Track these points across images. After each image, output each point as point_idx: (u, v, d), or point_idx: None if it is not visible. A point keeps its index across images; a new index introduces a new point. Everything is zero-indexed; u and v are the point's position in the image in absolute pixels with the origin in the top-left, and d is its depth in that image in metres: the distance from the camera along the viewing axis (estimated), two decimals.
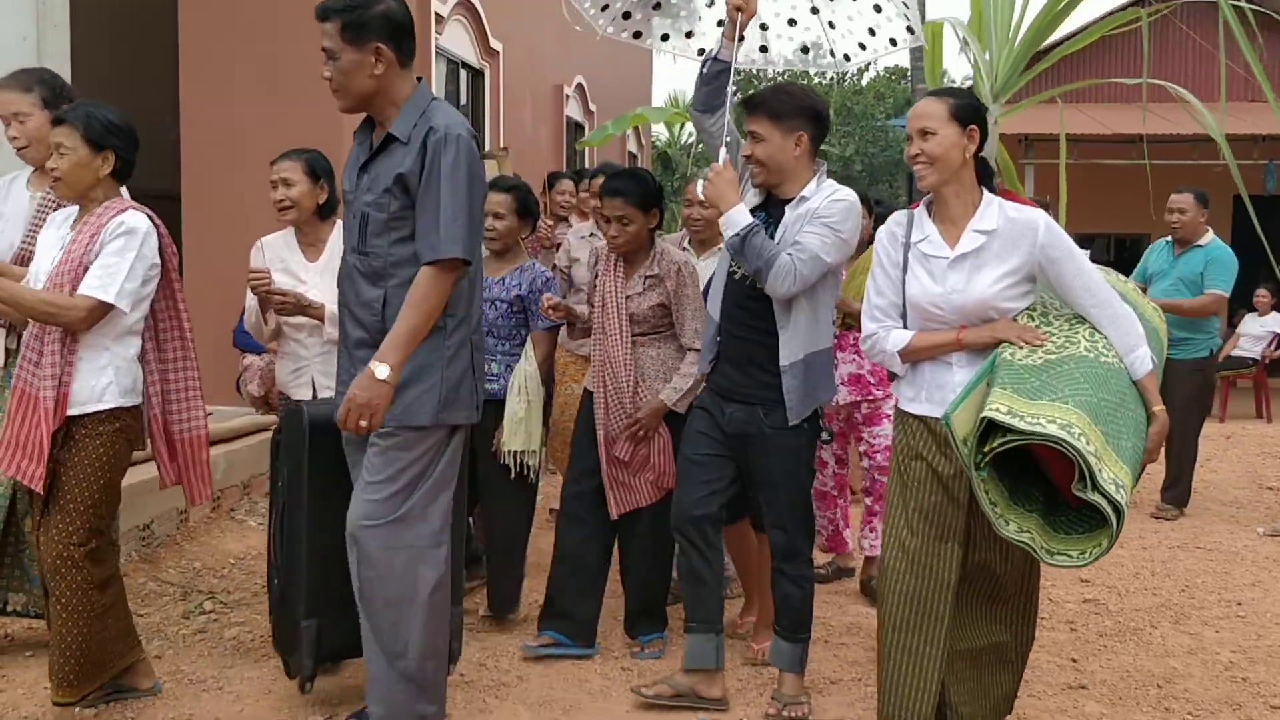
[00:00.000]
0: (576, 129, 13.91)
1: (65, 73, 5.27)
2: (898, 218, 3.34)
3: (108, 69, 7.70)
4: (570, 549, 4.35)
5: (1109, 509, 2.76)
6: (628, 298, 4.25)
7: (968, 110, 3.18)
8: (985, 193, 3.21)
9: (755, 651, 4.28)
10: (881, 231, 3.37)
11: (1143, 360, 3.07)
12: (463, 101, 10.83)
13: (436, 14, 9.32)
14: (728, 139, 3.79)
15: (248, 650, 4.24)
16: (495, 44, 10.95)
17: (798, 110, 3.65)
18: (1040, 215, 3.13)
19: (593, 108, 14.60)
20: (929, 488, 3.20)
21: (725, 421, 3.76)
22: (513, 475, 4.46)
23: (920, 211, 3.29)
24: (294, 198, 4.08)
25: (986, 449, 2.88)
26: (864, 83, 32.14)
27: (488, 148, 10.58)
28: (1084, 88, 10.33)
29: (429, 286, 3.13)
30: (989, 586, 3.27)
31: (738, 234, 3.55)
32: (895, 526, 3.25)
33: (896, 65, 35.43)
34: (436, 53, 9.53)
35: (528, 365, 4.45)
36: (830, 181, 3.70)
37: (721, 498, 3.81)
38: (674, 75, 57.44)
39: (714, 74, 3.78)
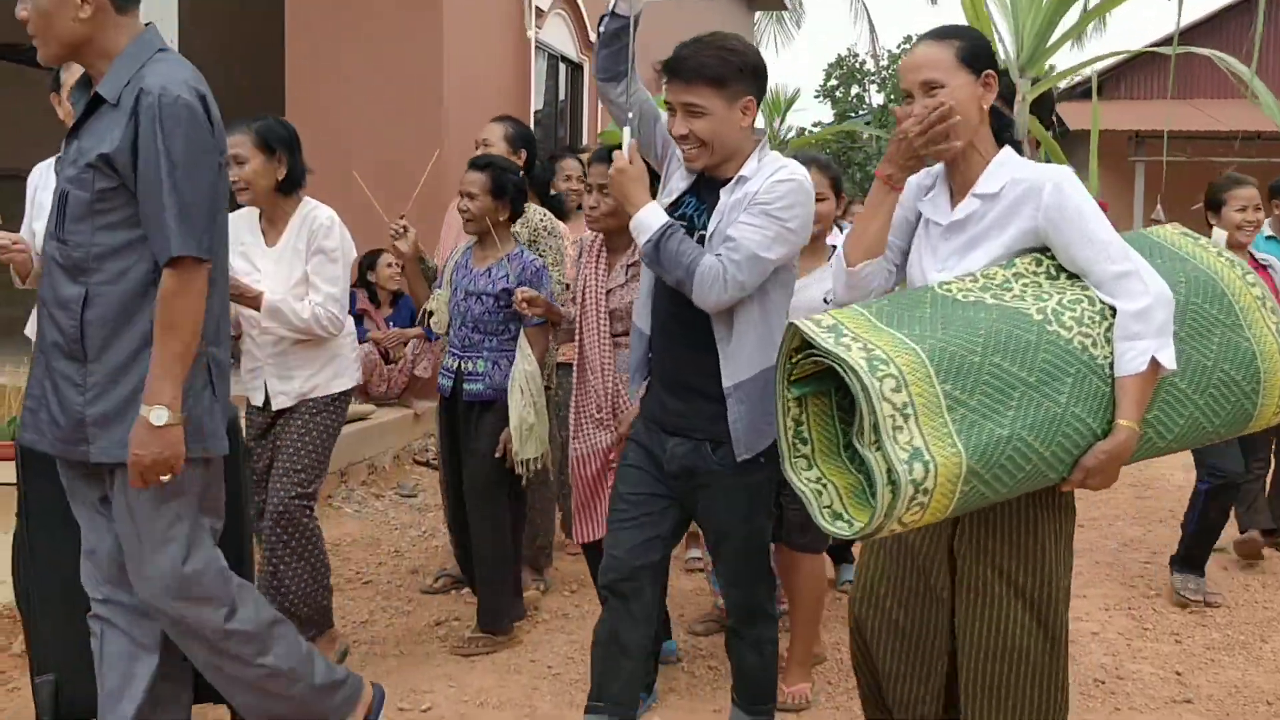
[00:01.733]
0: None
1: None
2: (932, 169, 2.72)
3: (215, 60, 7.87)
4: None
5: (883, 478, 2.19)
6: (608, 292, 3.74)
7: (980, 52, 2.55)
8: (1003, 150, 2.58)
9: (785, 695, 3.79)
10: (912, 179, 2.75)
11: (1136, 356, 2.35)
12: (561, 96, 10.87)
13: (537, 8, 9.37)
14: (630, 116, 3.12)
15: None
16: (594, 38, 10.97)
17: (743, 70, 2.91)
18: (1052, 172, 2.50)
19: None
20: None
21: (666, 458, 3.09)
22: (524, 480, 4.15)
23: (942, 167, 2.68)
24: (246, 177, 3.64)
25: (792, 361, 2.45)
26: None
27: (585, 141, 10.60)
28: (1147, 65, 10.02)
29: (174, 296, 2.55)
30: None
31: (650, 239, 2.92)
32: None
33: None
34: (536, 47, 9.57)
35: (526, 365, 4.07)
36: (774, 155, 3.02)
37: (665, 546, 3.16)
38: (774, 67, 57.18)
39: (612, 33, 3.11)
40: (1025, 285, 2.43)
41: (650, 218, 2.95)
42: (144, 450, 2.55)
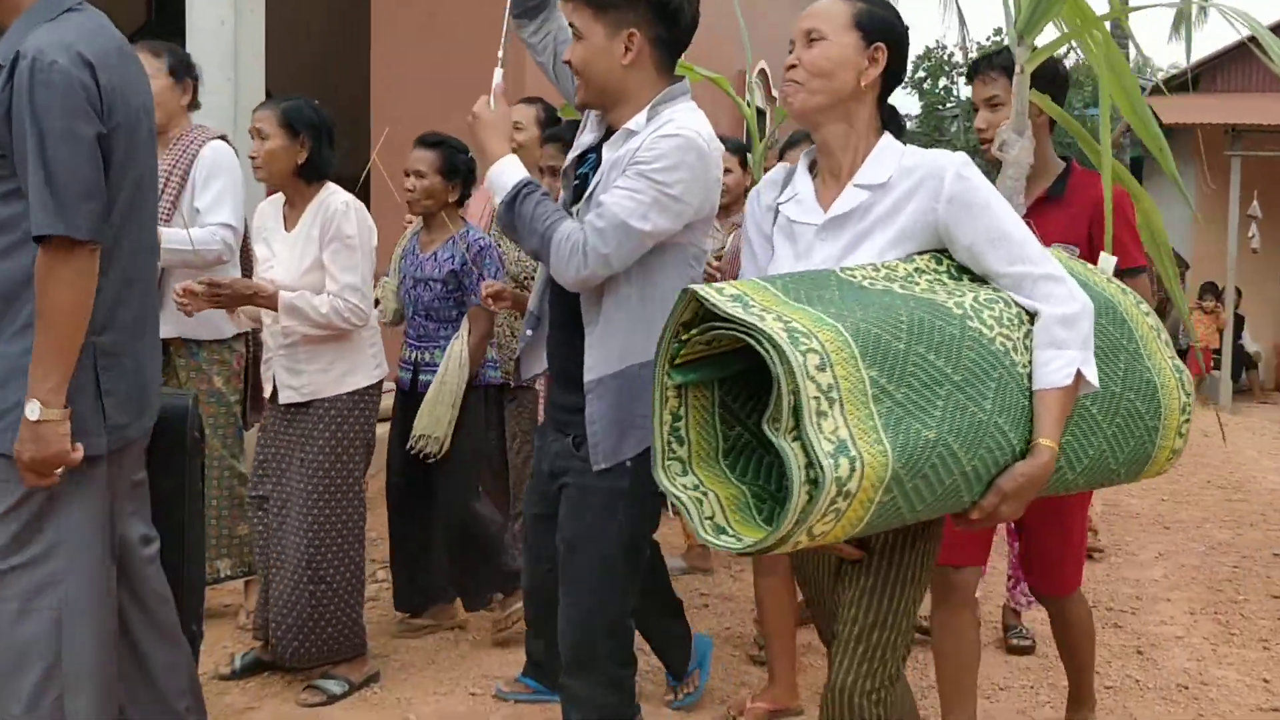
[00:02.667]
0: (759, 115, 13.81)
1: (259, 56, 5.49)
2: (772, 176, 2.38)
3: (302, 51, 8.02)
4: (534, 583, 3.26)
5: (799, 475, 1.79)
6: None
7: (878, 22, 2.22)
8: (885, 136, 2.25)
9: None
10: (751, 194, 2.44)
11: (1062, 367, 2.02)
12: None
13: None
14: (500, 54, 2.70)
15: (406, 619, 4.33)
16: None
17: None
18: (950, 158, 2.16)
19: (775, 94, 14.47)
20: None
21: (545, 457, 2.71)
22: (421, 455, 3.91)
23: (799, 164, 2.33)
24: (263, 154, 3.56)
25: (685, 337, 2.02)
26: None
27: None
28: None
29: (43, 280, 2.30)
30: None
31: (503, 199, 2.50)
32: None
33: None
34: None
35: (456, 343, 3.90)
36: (682, 107, 2.52)
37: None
38: None
39: None
40: (931, 281, 2.10)
41: (505, 174, 2.51)
42: (21, 447, 2.33)
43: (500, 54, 2.66)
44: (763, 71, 14.09)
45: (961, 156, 2.16)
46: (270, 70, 5.71)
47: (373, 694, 3.69)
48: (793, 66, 2.20)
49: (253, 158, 3.60)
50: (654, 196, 2.41)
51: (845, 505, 1.82)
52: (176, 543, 2.80)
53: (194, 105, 4.11)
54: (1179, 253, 15.03)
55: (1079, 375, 2.04)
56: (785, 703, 3.61)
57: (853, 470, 1.80)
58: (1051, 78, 3.05)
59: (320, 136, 3.58)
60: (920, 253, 2.15)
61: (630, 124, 2.50)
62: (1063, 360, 2.03)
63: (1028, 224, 2.43)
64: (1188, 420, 2.26)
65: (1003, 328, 2.03)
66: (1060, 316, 2.05)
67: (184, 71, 4.05)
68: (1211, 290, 12.96)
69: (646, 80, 2.52)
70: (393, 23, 7.37)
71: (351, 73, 8.00)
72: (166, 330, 3.86)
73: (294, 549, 3.56)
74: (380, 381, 3.76)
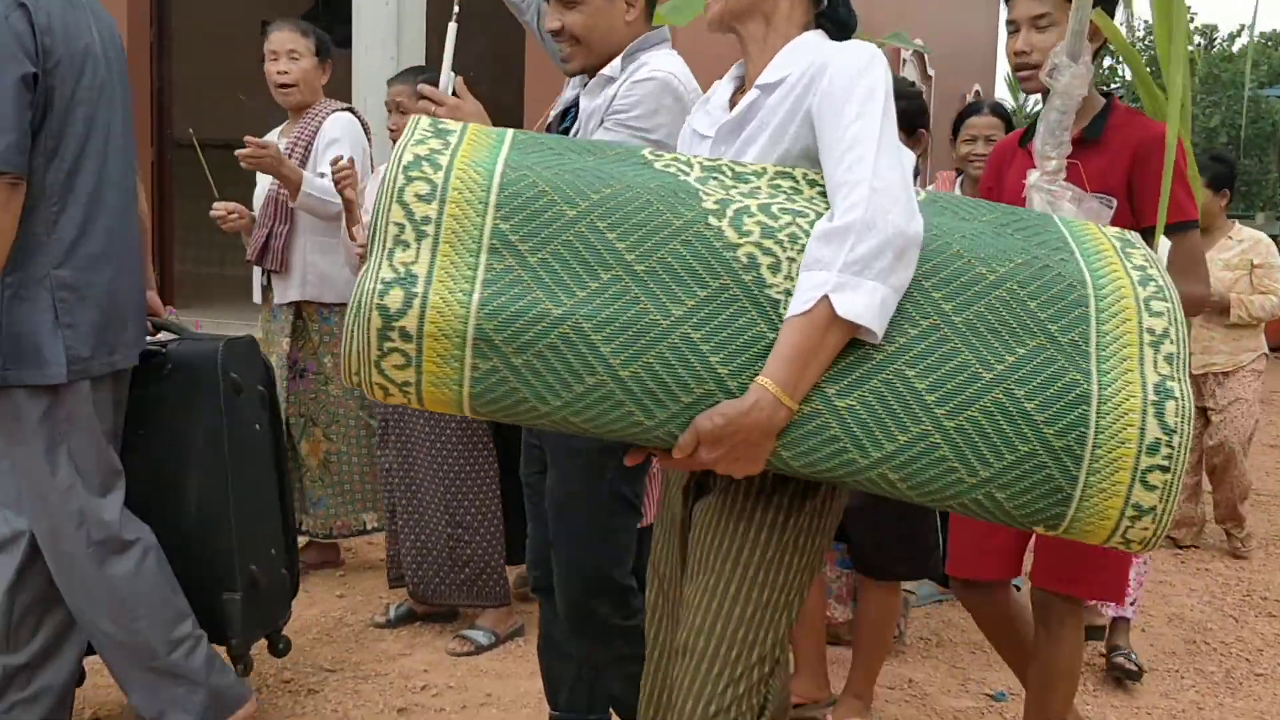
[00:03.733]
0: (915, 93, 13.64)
1: (421, 35, 5.69)
2: (705, 98, 2.09)
3: (463, 30, 8.22)
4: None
5: (353, 302, 1.68)
6: None
7: None
8: (808, 33, 1.86)
9: None
10: (685, 124, 2.09)
11: (806, 291, 1.58)
12: None
13: None
14: (526, 18, 2.61)
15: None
16: None
17: None
18: (852, 49, 1.76)
19: (931, 72, 14.25)
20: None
21: None
22: None
23: (728, 75, 2.00)
24: (400, 128, 3.71)
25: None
26: (1234, 49, 29.72)
27: None
28: None
29: None
30: None
31: None
32: None
33: (1274, 30, 32.54)
34: None
35: None
36: (660, 54, 2.39)
37: None
38: None
39: None
40: (773, 187, 1.74)
41: None
42: None
43: (450, 39, 2.64)
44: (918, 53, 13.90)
45: (869, 49, 1.75)
46: (430, 49, 5.90)
47: (516, 646, 3.83)
48: None
49: (391, 129, 3.77)
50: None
51: (413, 351, 1.64)
52: (220, 487, 2.86)
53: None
54: None
55: (831, 308, 1.57)
56: (814, 695, 3.30)
57: (407, 306, 1.63)
58: None
59: None
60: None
61: (606, 70, 2.37)
62: (811, 284, 1.58)
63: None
64: (1163, 468, 1.61)
65: (769, 240, 1.65)
66: (826, 229, 1.61)
67: (325, 53, 4.24)
68: None
69: (641, 33, 2.42)
70: None
71: (510, 50, 8.17)
72: (293, 294, 4.11)
73: (430, 496, 3.74)
74: None
